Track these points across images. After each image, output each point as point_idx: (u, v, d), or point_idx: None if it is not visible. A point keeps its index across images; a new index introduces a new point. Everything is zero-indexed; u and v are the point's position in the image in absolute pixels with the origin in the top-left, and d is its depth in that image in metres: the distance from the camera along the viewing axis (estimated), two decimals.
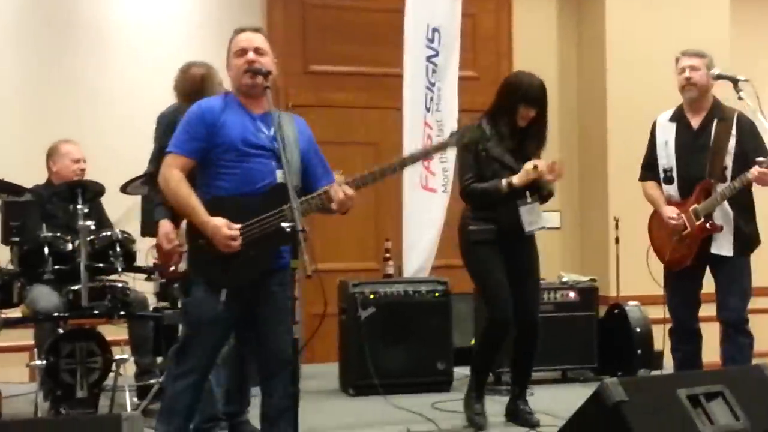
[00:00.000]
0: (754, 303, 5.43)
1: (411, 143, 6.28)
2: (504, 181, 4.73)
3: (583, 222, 7.68)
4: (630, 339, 6.07)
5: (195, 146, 3.82)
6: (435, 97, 6.57)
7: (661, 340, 5.38)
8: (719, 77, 4.94)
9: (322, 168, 3.99)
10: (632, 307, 6.17)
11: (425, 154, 4.25)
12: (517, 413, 5.03)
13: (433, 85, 6.62)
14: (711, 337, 5.08)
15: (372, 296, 5.80)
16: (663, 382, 3.70)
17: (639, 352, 6.03)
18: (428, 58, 6.63)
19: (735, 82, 4.87)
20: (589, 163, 7.61)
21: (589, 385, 4.54)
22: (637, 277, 5.56)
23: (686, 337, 5.11)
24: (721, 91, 5.08)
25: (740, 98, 4.82)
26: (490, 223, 4.82)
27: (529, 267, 4.96)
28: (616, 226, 6.48)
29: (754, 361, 4.53)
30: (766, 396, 3.64)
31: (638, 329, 6.08)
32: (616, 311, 6.27)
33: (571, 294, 6.23)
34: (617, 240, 6.47)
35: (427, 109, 6.53)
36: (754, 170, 4.79)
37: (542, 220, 4.90)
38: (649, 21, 7.35)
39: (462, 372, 5.95)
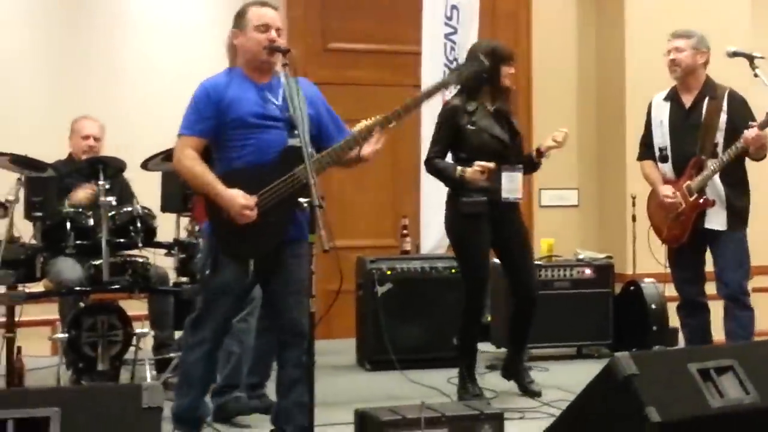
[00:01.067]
0: (756, 281, 5.49)
1: (430, 121, 6.32)
2: (459, 170, 4.84)
3: (600, 200, 7.70)
4: (645, 315, 6.12)
5: (205, 126, 3.88)
6: None
7: (676, 316, 5.44)
8: (735, 54, 4.98)
9: (335, 126, 4.03)
10: (648, 284, 6.22)
11: (428, 95, 4.28)
12: (516, 373, 5.17)
13: (452, 62, 6.65)
14: (719, 316, 5.13)
15: (389, 272, 5.87)
16: (674, 356, 3.74)
17: (654, 328, 6.09)
18: (447, 36, 6.67)
19: (751, 59, 4.92)
20: (608, 141, 7.62)
21: (604, 361, 4.54)
22: (654, 254, 5.60)
23: (693, 312, 5.20)
24: (739, 69, 5.09)
25: (756, 75, 4.86)
26: (481, 194, 4.90)
27: (522, 239, 5.09)
28: (633, 204, 6.51)
29: (757, 338, 4.58)
30: None
31: (653, 306, 6.13)
32: (631, 288, 6.32)
33: (587, 271, 6.28)
34: (634, 218, 6.50)
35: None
36: (747, 133, 4.84)
37: (519, 192, 4.99)
38: None
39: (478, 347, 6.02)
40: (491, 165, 4.81)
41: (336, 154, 3.88)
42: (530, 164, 5.12)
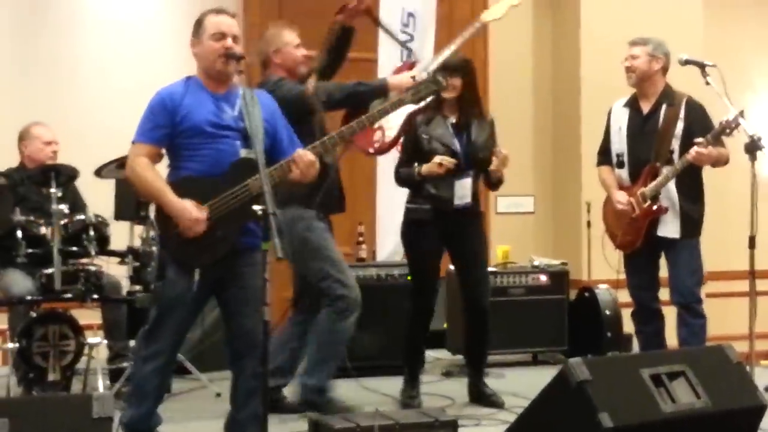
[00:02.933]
0: (709, 287, 5.57)
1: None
2: (416, 169, 4.88)
3: (556, 206, 7.76)
4: (600, 322, 6.18)
5: (159, 134, 3.88)
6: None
7: (631, 322, 5.49)
8: (687, 62, 5.04)
9: (288, 139, 4.03)
10: (602, 290, 6.28)
11: (383, 113, 4.33)
12: (480, 396, 5.15)
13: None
14: (672, 322, 5.19)
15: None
16: (627, 362, 3.79)
17: (608, 334, 6.14)
18: (403, 43, 6.68)
19: (702, 67, 4.99)
20: (563, 148, 7.68)
21: (559, 367, 4.59)
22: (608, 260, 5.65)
23: (647, 319, 5.26)
24: (690, 76, 5.16)
25: (707, 83, 4.92)
26: (427, 201, 4.94)
27: (476, 250, 5.10)
28: (588, 211, 6.57)
29: (709, 344, 4.65)
30: (726, 376, 3.74)
31: (608, 312, 6.19)
32: (586, 294, 6.37)
33: (542, 277, 6.34)
34: (589, 224, 6.57)
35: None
36: (692, 150, 4.91)
37: (468, 197, 5.01)
38: (623, 7, 7.40)
39: (433, 355, 6.05)
40: (452, 160, 4.85)
41: (289, 168, 3.87)
42: (494, 180, 5.12)
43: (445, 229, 4.99)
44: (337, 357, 4.96)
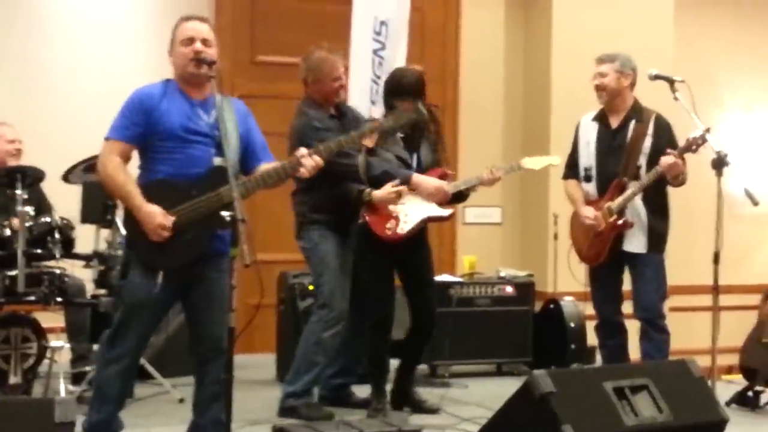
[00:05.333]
0: (673, 301, 5.62)
1: None
2: (366, 191, 4.89)
3: (523, 218, 7.80)
4: (564, 334, 6.22)
5: (133, 132, 3.89)
6: (380, 90, 6.63)
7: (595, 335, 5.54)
8: (657, 77, 5.08)
9: (261, 145, 4.07)
10: (567, 303, 6.32)
11: (362, 137, 4.40)
12: (414, 403, 5.16)
13: (379, 78, 6.67)
14: (635, 334, 5.23)
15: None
16: (590, 375, 3.83)
17: (572, 346, 6.18)
18: (375, 51, 6.67)
19: (671, 82, 5.02)
20: None
21: (523, 378, 4.62)
22: (574, 273, 5.69)
23: (611, 332, 5.29)
24: (659, 91, 5.21)
25: (676, 98, 4.96)
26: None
27: (419, 262, 5.12)
28: (555, 223, 6.61)
29: (672, 358, 4.70)
30: (688, 390, 3.79)
31: (572, 324, 6.23)
32: (551, 306, 6.41)
33: (508, 288, 6.36)
34: (556, 237, 6.60)
35: (373, 102, 6.59)
36: (663, 160, 4.96)
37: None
38: (595, 18, 7.46)
39: (397, 364, 6.04)
40: (402, 188, 4.89)
41: (263, 180, 3.91)
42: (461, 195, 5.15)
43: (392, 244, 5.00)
44: (319, 365, 5.03)
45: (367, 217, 4.92)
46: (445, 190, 4.95)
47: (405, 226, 4.94)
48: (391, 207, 4.91)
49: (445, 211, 5.05)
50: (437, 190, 4.94)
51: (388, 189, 4.88)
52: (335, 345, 5.07)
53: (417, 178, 4.95)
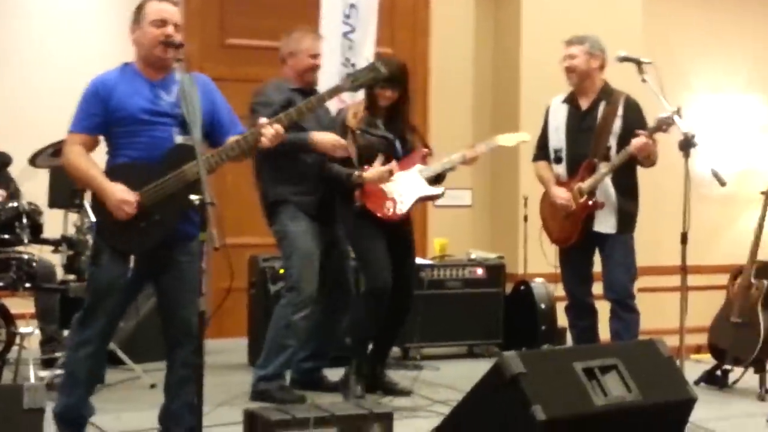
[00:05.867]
0: (642, 282, 5.66)
1: None
2: (356, 174, 4.93)
3: (493, 200, 7.81)
4: (535, 315, 6.24)
5: (92, 123, 3.87)
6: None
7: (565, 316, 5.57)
8: (624, 59, 5.07)
9: (229, 121, 4.03)
10: (537, 284, 6.34)
11: (320, 100, 4.38)
12: (386, 386, 5.20)
13: (348, 61, 6.66)
14: (604, 315, 5.27)
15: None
16: (560, 356, 3.85)
17: (543, 328, 6.21)
18: (345, 34, 6.66)
19: (639, 63, 5.03)
20: None
21: (494, 360, 4.67)
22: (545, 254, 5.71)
23: (581, 313, 5.33)
24: (627, 74, 5.23)
25: (644, 80, 4.97)
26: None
27: (407, 243, 5.21)
28: (525, 205, 6.62)
29: (642, 338, 4.73)
30: (657, 369, 3.82)
31: (543, 306, 6.25)
32: (522, 288, 6.43)
33: (479, 270, 6.38)
34: (526, 218, 6.61)
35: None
36: (635, 140, 4.99)
37: None
38: (564, 2, 7.49)
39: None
40: (393, 165, 4.95)
41: (226, 154, 3.87)
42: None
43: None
44: (290, 348, 5.03)
45: (365, 202, 4.96)
46: (342, 143, 4.94)
47: (402, 206, 5.02)
48: (385, 188, 4.98)
49: (437, 190, 5.15)
50: (334, 146, 4.93)
51: (378, 168, 4.93)
52: (306, 327, 5.07)
53: (314, 136, 4.93)
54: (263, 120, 3.98)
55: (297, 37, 5.19)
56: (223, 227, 3.53)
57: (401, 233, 5.15)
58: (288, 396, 4.94)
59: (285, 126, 3.99)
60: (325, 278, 5.17)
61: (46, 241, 5.46)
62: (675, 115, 4.88)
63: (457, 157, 5.15)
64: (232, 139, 3.92)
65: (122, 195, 3.76)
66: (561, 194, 5.23)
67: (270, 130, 3.89)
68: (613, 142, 5.17)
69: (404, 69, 5.12)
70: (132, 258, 3.82)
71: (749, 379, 5.48)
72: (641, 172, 5.30)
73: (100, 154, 3.98)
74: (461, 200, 7.66)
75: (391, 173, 4.96)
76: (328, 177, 5.04)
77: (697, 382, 5.41)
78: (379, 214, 4.98)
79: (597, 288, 5.29)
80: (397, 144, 5.12)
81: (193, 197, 3.51)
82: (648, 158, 5.10)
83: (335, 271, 5.25)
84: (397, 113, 5.13)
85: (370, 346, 5.25)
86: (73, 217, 5.45)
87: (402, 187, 5.03)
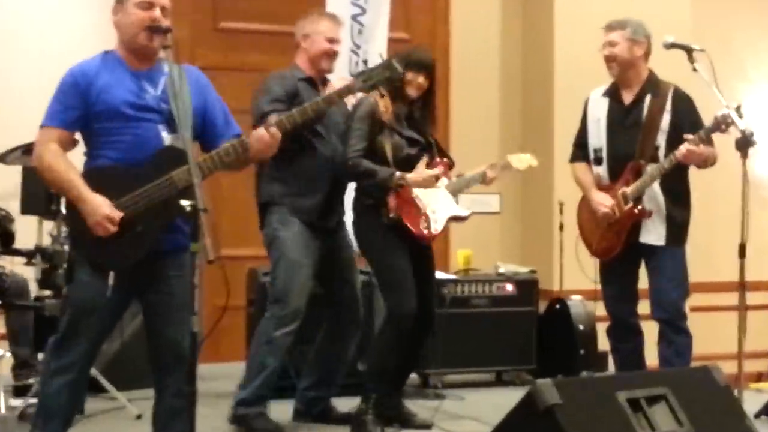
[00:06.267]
0: (694, 300, 5.62)
1: None
2: (398, 174, 4.92)
3: (524, 206, 7.80)
4: (572, 337, 6.25)
5: (70, 116, 3.85)
6: (360, 61, 6.62)
7: (606, 339, 5.54)
8: (672, 46, 5.07)
9: (224, 121, 4.02)
10: (575, 302, 6.34)
11: (329, 102, 4.37)
12: (394, 410, 5.17)
13: (358, 47, 6.67)
14: (651, 338, 5.24)
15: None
16: (601, 384, 3.82)
17: (582, 352, 6.21)
18: (354, 17, 6.67)
19: (689, 51, 5.01)
20: (534, 142, 7.71)
21: (526, 388, 4.65)
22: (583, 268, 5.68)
23: (624, 335, 5.30)
24: (675, 62, 5.20)
25: (695, 70, 4.95)
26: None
27: (427, 259, 5.23)
28: (561, 212, 6.61)
29: (695, 364, 4.70)
30: (711, 400, 3.79)
31: (581, 327, 6.25)
32: (557, 306, 6.43)
33: (509, 287, 6.37)
34: (561, 227, 6.60)
35: (351, 75, 6.57)
36: (682, 147, 4.96)
37: None
38: None
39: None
40: (439, 170, 5.02)
41: (220, 159, 3.85)
42: None
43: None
44: (268, 367, 5.02)
45: (402, 217, 4.96)
46: (432, 176, 5.02)
47: (436, 225, 5.07)
48: (420, 204, 5.00)
49: (465, 212, 5.25)
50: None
51: (424, 172, 4.96)
52: (286, 345, 5.04)
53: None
54: (273, 118, 3.97)
55: (314, 18, 5.21)
56: (219, 237, 3.53)
57: (423, 248, 5.14)
58: (266, 425, 4.96)
59: (284, 130, 3.97)
60: (327, 293, 5.14)
61: (18, 252, 5.47)
62: (735, 112, 4.84)
63: (476, 175, 5.20)
64: (228, 143, 3.90)
65: (106, 211, 3.73)
66: (603, 200, 5.20)
67: (266, 138, 3.88)
68: (661, 140, 5.14)
69: (432, 58, 5.19)
70: (111, 274, 3.79)
71: None
72: (692, 173, 5.27)
73: (77, 154, 3.97)
74: (488, 206, 7.64)
75: (437, 179, 4.97)
76: (354, 174, 5.01)
77: (757, 415, 5.37)
78: (414, 231, 4.97)
79: (643, 307, 5.25)
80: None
81: (185, 203, 3.49)
82: (704, 162, 5.07)
83: (340, 283, 5.23)
84: (425, 107, 5.11)
85: None
86: (49, 225, 5.46)
87: (434, 203, 5.06)
